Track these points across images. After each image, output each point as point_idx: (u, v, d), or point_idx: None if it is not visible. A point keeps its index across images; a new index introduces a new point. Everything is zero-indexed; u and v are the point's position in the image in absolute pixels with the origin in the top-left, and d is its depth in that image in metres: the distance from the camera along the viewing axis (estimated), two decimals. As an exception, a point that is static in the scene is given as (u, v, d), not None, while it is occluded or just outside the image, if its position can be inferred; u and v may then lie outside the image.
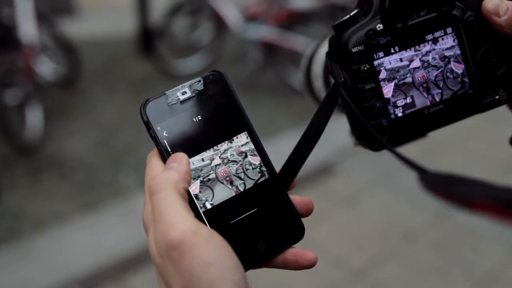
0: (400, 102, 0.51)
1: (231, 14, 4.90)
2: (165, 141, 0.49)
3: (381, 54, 0.50)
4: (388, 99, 0.51)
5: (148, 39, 5.35)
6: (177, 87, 0.50)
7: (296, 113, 4.32)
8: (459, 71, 0.51)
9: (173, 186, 0.42)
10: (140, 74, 5.16)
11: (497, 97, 0.52)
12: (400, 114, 0.51)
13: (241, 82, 4.82)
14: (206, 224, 0.47)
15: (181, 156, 0.46)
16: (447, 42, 0.51)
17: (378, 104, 0.50)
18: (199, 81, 0.51)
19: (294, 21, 4.68)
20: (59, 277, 2.43)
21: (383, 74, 0.50)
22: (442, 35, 0.51)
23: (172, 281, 0.39)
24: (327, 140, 3.54)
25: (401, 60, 0.50)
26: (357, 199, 3.01)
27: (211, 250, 0.39)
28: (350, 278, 2.40)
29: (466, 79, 0.51)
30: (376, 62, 0.50)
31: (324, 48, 0.69)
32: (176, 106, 0.50)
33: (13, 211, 2.98)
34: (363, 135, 0.52)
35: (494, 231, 2.62)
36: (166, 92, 0.50)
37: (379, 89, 0.50)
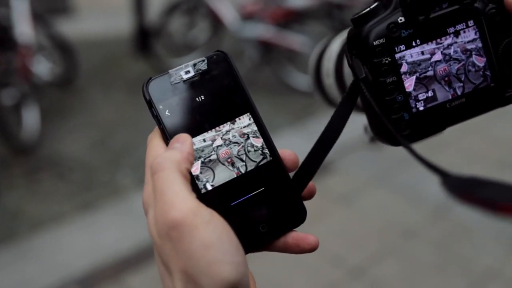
0: (422, 96, 0.50)
1: (228, 12, 4.89)
2: (166, 120, 0.48)
3: (402, 47, 0.49)
4: (410, 92, 0.50)
5: (144, 38, 5.35)
6: (180, 66, 0.50)
7: (293, 111, 4.32)
8: (481, 64, 0.51)
9: (176, 166, 0.42)
10: (137, 73, 5.15)
11: None
12: (421, 108, 0.51)
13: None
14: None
15: (184, 136, 0.45)
16: (469, 35, 0.51)
17: (400, 98, 0.50)
18: (203, 60, 0.50)
19: (290, 19, 4.68)
20: (58, 277, 2.42)
21: (404, 68, 0.50)
22: (464, 28, 0.50)
23: (170, 262, 0.39)
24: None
25: (422, 53, 0.50)
26: (355, 197, 3.01)
27: (212, 232, 0.38)
28: (348, 276, 2.41)
29: (488, 73, 0.51)
30: (397, 56, 0.50)
31: (336, 45, 0.68)
32: (179, 85, 0.49)
33: (11, 212, 2.98)
34: (384, 130, 0.52)
35: (493, 228, 2.62)
36: (170, 71, 0.49)
37: (401, 83, 0.50)
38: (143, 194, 0.43)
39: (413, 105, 0.50)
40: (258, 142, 0.50)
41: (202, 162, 0.48)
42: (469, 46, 0.51)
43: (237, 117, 0.50)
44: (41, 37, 4.41)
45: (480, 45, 0.51)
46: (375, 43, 0.49)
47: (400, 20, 0.49)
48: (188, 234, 0.38)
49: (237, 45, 5.12)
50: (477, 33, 0.50)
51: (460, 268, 2.43)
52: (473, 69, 0.51)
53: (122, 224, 2.79)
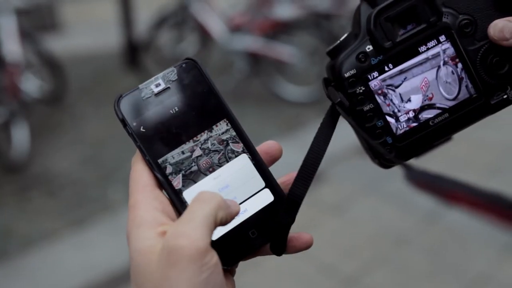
0: (403, 117, 0.51)
1: (216, 25, 4.91)
2: (142, 137, 0.47)
3: (375, 74, 0.50)
4: (391, 114, 0.51)
5: (133, 52, 5.35)
6: (150, 80, 0.49)
7: (283, 122, 4.33)
8: (459, 77, 0.51)
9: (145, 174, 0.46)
10: (127, 88, 5.03)
11: (505, 96, 0.51)
12: (404, 130, 0.51)
13: (228, 93, 4.83)
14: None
15: None
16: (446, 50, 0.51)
17: (380, 123, 0.51)
18: (172, 71, 0.49)
19: (278, 30, 4.70)
20: (50, 296, 2.40)
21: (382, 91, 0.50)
22: (436, 44, 0.50)
23: None
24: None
25: (399, 74, 0.50)
26: (346, 206, 3.02)
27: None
28: (342, 286, 2.40)
29: (468, 84, 0.51)
30: (372, 83, 0.50)
31: None
32: (150, 99, 0.48)
33: (2, 230, 2.95)
34: (373, 153, 0.52)
35: (483, 233, 2.63)
36: (139, 85, 0.48)
37: (379, 108, 0.50)
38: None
39: (395, 128, 0.51)
40: (239, 147, 0.49)
41: (183, 175, 0.47)
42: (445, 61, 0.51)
43: (214, 124, 0.49)
44: (29, 54, 4.40)
45: (457, 59, 0.51)
46: (347, 74, 0.50)
47: (368, 48, 0.50)
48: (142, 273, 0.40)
49: (225, 57, 5.14)
50: (451, 47, 0.50)
51: (453, 274, 2.44)
52: (451, 83, 0.51)
53: (115, 240, 2.77)
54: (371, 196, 3.10)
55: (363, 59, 0.50)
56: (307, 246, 0.48)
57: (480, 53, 0.50)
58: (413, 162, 0.51)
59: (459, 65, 0.51)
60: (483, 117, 0.52)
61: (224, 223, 0.43)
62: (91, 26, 7.42)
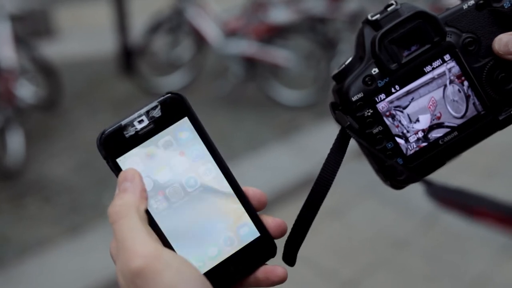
0: (413, 138, 0.51)
1: (211, 30, 4.91)
2: None
3: (382, 96, 0.50)
4: (400, 135, 0.50)
5: (128, 58, 5.34)
6: (133, 115, 0.47)
7: (279, 125, 4.33)
8: (466, 95, 0.51)
9: (133, 211, 0.42)
10: (122, 93, 5.13)
11: None
12: (414, 150, 0.51)
13: (224, 97, 4.82)
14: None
15: (131, 172, 0.45)
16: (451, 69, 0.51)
17: (390, 145, 0.50)
18: (156, 106, 0.47)
19: (273, 34, 4.70)
20: (46, 303, 2.38)
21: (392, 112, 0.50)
22: (441, 64, 0.50)
23: None
24: (310, 152, 3.53)
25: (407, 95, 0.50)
26: (345, 210, 3.01)
27: (175, 274, 0.39)
28: (341, 290, 2.40)
29: (475, 101, 0.51)
30: (379, 105, 0.50)
31: None
32: (134, 136, 0.46)
33: (-3, 238, 2.93)
34: (384, 175, 0.52)
35: (481, 235, 2.63)
36: (122, 122, 0.47)
37: (388, 130, 0.50)
38: (110, 246, 0.44)
39: (405, 149, 0.51)
40: (223, 187, 0.48)
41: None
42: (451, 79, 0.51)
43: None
44: (24, 60, 4.38)
45: (462, 77, 0.50)
46: (354, 98, 0.50)
47: (374, 71, 0.50)
48: (152, 280, 0.38)
49: (221, 62, 5.13)
50: (456, 66, 0.50)
51: (451, 276, 2.43)
52: (459, 101, 0.51)
53: (111, 246, 2.75)
54: (370, 199, 3.09)
55: (369, 82, 0.50)
56: (281, 280, 0.48)
57: (485, 70, 0.50)
58: (432, 177, 0.51)
59: (465, 83, 0.50)
60: (492, 133, 0.52)
61: (145, 205, 0.44)
62: (86, 31, 7.41)
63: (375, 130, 0.50)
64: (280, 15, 4.69)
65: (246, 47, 4.69)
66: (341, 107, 0.51)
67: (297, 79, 4.81)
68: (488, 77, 0.50)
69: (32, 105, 4.49)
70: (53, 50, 5.74)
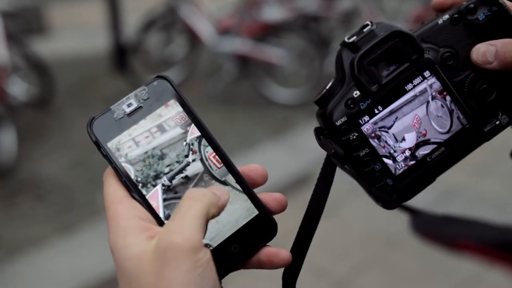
0: (400, 157, 0.51)
1: (204, 27, 4.90)
2: (117, 158, 0.47)
3: (366, 118, 0.50)
4: (387, 156, 0.51)
5: (122, 55, 5.33)
6: (121, 100, 0.48)
7: (272, 124, 4.33)
8: (450, 110, 0.51)
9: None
10: (115, 91, 5.11)
11: (497, 122, 0.51)
12: (403, 170, 0.51)
13: (217, 95, 4.82)
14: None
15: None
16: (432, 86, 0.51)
17: (378, 167, 0.51)
18: (144, 89, 0.49)
19: (267, 32, 4.70)
20: (38, 302, 2.38)
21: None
22: (422, 81, 0.50)
23: None
24: (304, 150, 3.52)
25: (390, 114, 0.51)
26: (336, 208, 3.02)
27: (205, 269, 0.40)
28: (333, 288, 2.40)
29: (459, 115, 0.51)
30: (364, 128, 0.50)
31: None
32: (123, 120, 0.48)
33: (-12, 237, 2.92)
34: (375, 197, 0.52)
35: (473, 234, 2.65)
36: (111, 107, 0.48)
37: (375, 152, 0.50)
38: (111, 237, 0.44)
39: (393, 169, 0.51)
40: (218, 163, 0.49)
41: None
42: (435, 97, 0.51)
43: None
44: (16, 58, 4.36)
45: (444, 92, 0.51)
46: (338, 123, 0.50)
47: (356, 94, 0.50)
48: (187, 258, 0.39)
49: (214, 60, 5.13)
50: (437, 81, 0.50)
51: (444, 275, 2.44)
52: (443, 116, 0.51)
53: (104, 245, 2.73)
54: (361, 197, 3.09)
55: (352, 105, 0.50)
56: (284, 263, 0.48)
57: (466, 83, 0.50)
58: (414, 203, 0.51)
59: (448, 97, 0.51)
60: (479, 145, 0.52)
61: (216, 216, 0.44)
62: (79, 29, 7.38)
63: (362, 153, 0.50)
64: (273, 13, 4.69)
65: (239, 45, 4.69)
66: (326, 131, 0.51)
67: (290, 77, 4.81)
68: (470, 89, 0.50)
69: (24, 103, 4.47)
70: (45, 48, 5.71)
